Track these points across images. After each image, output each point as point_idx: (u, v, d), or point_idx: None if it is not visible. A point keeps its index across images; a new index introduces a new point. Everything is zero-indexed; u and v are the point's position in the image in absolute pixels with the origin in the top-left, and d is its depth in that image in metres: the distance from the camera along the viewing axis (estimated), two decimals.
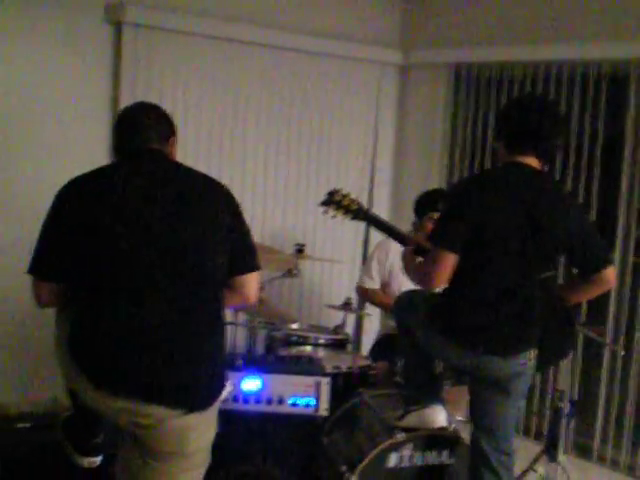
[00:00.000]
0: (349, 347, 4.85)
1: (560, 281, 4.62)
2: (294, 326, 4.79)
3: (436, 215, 4.65)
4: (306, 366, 4.09)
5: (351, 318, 5.13)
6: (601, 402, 5.18)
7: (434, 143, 5.95)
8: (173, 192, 2.86)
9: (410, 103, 6.11)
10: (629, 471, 5.07)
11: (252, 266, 3.01)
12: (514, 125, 3.35)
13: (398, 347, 4.16)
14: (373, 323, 5.58)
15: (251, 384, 3.86)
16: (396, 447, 3.72)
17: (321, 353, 4.57)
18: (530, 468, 4.31)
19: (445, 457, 3.82)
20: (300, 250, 4.83)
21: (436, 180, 5.70)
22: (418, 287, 3.70)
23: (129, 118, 3.07)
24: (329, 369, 4.15)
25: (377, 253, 5.01)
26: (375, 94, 6.03)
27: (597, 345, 4.92)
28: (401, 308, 3.83)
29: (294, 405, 3.88)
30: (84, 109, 4.96)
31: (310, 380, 3.90)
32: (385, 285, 4.96)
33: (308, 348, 4.64)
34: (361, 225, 5.65)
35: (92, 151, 4.79)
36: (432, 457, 3.81)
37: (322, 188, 4.18)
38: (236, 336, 4.47)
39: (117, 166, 3.03)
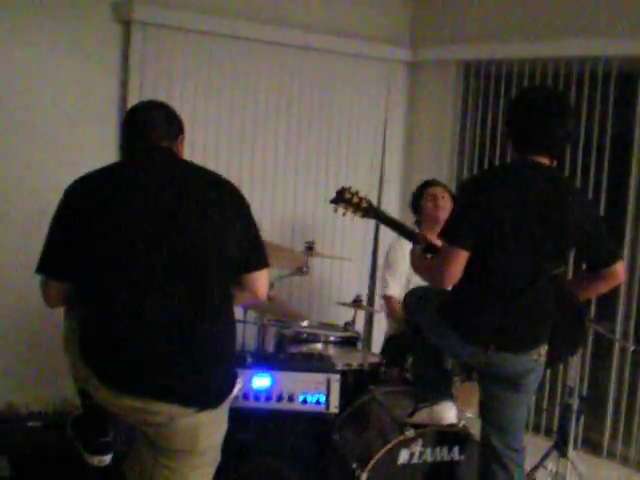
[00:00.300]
0: (359, 344, 4.85)
1: (569, 277, 4.60)
2: (304, 324, 4.79)
3: (433, 190, 4.69)
4: (316, 363, 4.10)
5: (361, 315, 5.13)
6: (611, 398, 5.16)
7: (443, 140, 5.94)
8: (182, 190, 2.86)
9: (419, 100, 6.10)
10: (639, 466, 5.05)
11: (262, 263, 3.02)
12: (520, 125, 3.34)
13: (408, 344, 4.15)
14: (383, 320, 5.57)
15: (261, 381, 3.86)
16: (406, 444, 3.73)
17: (331, 350, 4.57)
18: (540, 464, 4.32)
19: (455, 454, 3.83)
20: (310, 248, 4.83)
21: (445, 177, 5.68)
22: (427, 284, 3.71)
23: (137, 116, 3.08)
24: (339, 366, 4.15)
25: (390, 256, 5.00)
26: (384, 92, 6.02)
27: (607, 341, 4.91)
28: (411, 305, 3.83)
29: (304, 402, 3.88)
30: (92, 108, 4.97)
31: (320, 377, 3.90)
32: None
33: (318, 346, 4.63)
34: (371, 222, 5.64)
35: (100, 150, 4.80)
36: (442, 454, 3.81)
37: (332, 186, 4.18)
38: (246, 334, 4.46)
39: (126, 164, 3.04)
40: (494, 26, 5.54)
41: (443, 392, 3.81)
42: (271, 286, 3.86)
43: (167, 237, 2.79)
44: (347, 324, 4.90)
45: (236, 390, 2.98)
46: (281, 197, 5.72)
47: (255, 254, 3.01)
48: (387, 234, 5.10)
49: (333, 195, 3.82)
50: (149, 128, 2.99)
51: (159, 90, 5.00)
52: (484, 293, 3.33)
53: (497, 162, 5.62)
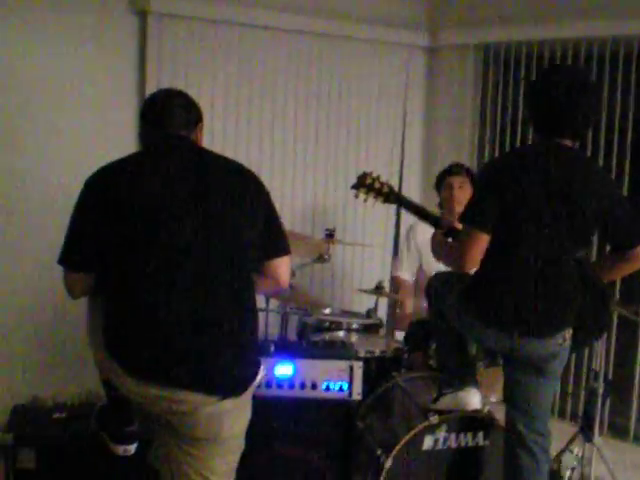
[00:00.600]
0: (382, 331, 4.83)
1: (593, 259, 4.57)
2: (326, 311, 4.79)
3: (451, 179, 4.68)
4: (338, 350, 4.10)
5: (384, 302, 5.11)
6: (637, 381, 5.13)
7: (464, 125, 5.91)
8: (203, 179, 2.86)
9: (439, 85, 6.07)
10: None
11: (283, 250, 3.04)
12: (542, 107, 3.30)
13: (431, 330, 4.14)
14: None
15: (284, 369, 3.86)
16: (431, 430, 3.72)
17: (354, 338, 4.55)
18: (566, 449, 4.30)
19: (480, 439, 3.82)
20: (330, 235, 4.81)
21: (467, 161, 5.63)
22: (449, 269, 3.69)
23: (155, 105, 3.06)
24: (362, 353, 4.14)
25: (406, 242, 5.04)
26: (403, 77, 5.99)
27: (632, 323, 4.87)
28: (434, 291, 3.81)
29: (327, 390, 3.88)
30: (110, 98, 4.98)
31: (343, 364, 3.89)
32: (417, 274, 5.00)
33: (340, 333, 4.62)
34: (392, 208, 5.63)
35: (120, 140, 4.82)
36: (467, 439, 3.80)
37: (352, 172, 4.17)
38: (268, 323, 4.46)
39: (145, 154, 3.03)
40: (512, 8, 5.48)
41: (467, 378, 3.79)
42: (292, 274, 3.85)
43: (189, 226, 2.79)
44: (369, 311, 4.89)
45: (259, 378, 2.98)
46: (301, 185, 5.71)
47: (276, 241, 3.02)
48: (408, 220, 5.08)
49: (353, 182, 3.81)
50: (167, 117, 2.98)
51: (176, 80, 4.98)
52: (507, 277, 3.30)
53: (518, 145, 5.59)
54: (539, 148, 3.33)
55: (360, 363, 3.91)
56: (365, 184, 3.78)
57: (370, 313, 4.87)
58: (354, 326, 4.70)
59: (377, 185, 3.78)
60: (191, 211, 2.80)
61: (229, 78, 5.31)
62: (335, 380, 3.88)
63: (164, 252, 2.77)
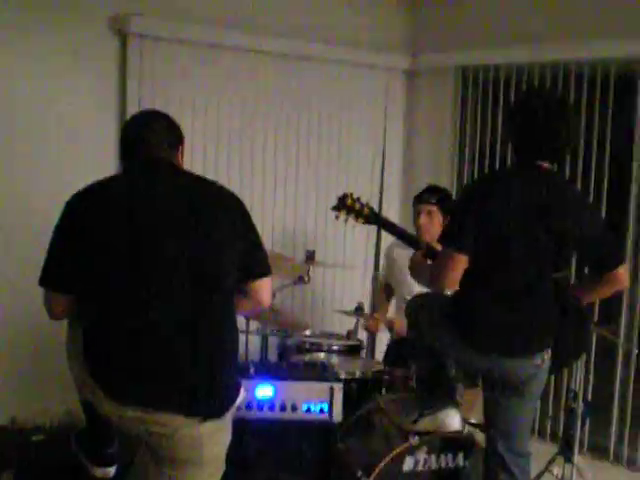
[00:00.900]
0: (362, 353, 4.83)
1: (572, 281, 4.59)
2: (306, 333, 4.80)
3: (419, 207, 4.65)
4: (319, 372, 4.09)
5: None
6: (616, 401, 5.15)
7: (443, 147, 5.95)
8: (184, 201, 2.86)
9: (418, 107, 6.11)
10: None
11: (265, 271, 3.03)
12: (521, 130, 3.33)
13: (411, 351, 4.15)
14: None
15: (264, 391, 3.86)
16: (411, 451, 3.72)
17: (334, 359, 4.55)
18: (546, 469, 4.31)
19: (460, 460, 3.82)
20: (311, 257, 4.82)
21: (446, 182, 5.68)
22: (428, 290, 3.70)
23: (136, 126, 3.07)
24: (342, 375, 4.14)
25: (384, 261, 5.06)
26: (383, 99, 6.04)
27: (610, 344, 4.90)
28: (414, 311, 3.81)
29: (308, 412, 3.87)
30: (90, 120, 4.99)
31: (323, 386, 3.89)
32: (387, 290, 5.01)
33: (321, 355, 4.62)
34: (371, 230, 5.65)
35: (99, 161, 4.81)
36: (447, 460, 3.80)
37: (332, 194, 4.17)
38: (248, 344, 4.46)
39: (127, 175, 3.03)
40: (491, 32, 5.54)
41: (447, 399, 3.79)
42: (273, 296, 3.85)
43: (171, 247, 2.78)
44: (349, 332, 4.89)
45: (239, 400, 2.98)
46: (281, 206, 5.73)
47: (258, 262, 3.02)
48: (388, 241, 5.09)
49: (334, 203, 3.82)
50: (148, 138, 2.97)
51: (157, 101, 5.00)
52: (485, 298, 3.31)
53: (497, 167, 5.62)
54: (518, 171, 3.35)
55: (340, 385, 3.91)
56: (346, 205, 3.79)
57: (350, 334, 4.87)
58: (334, 347, 4.70)
59: (357, 206, 3.79)
60: (173, 233, 2.80)
61: (209, 99, 5.33)
62: (315, 402, 3.87)
63: (144, 274, 2.76)
